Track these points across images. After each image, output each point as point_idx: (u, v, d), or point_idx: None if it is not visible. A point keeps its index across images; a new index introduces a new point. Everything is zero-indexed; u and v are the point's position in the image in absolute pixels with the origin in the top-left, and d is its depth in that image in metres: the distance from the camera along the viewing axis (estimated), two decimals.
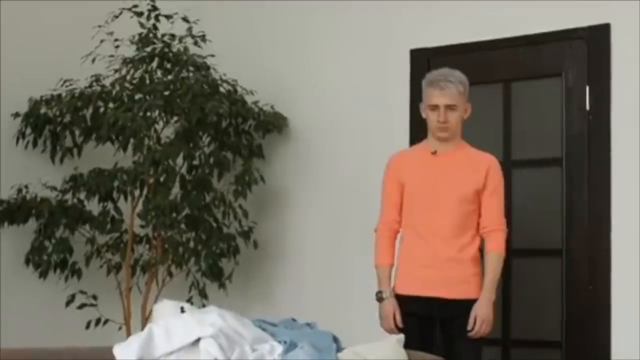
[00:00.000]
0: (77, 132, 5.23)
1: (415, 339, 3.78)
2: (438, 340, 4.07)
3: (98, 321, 5.12)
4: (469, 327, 3.93)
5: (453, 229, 3.98)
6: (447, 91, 3.98)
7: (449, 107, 3.99)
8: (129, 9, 5.09)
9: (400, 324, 3.99)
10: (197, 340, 3.10)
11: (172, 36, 5.13)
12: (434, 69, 4.19)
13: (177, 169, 5.07)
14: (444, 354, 3.83)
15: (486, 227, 4.03)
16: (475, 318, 3.93)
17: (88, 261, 5.15)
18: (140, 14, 5.11)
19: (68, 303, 5.13)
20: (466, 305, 3.96)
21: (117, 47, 5.08)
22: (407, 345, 3.49)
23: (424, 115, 4.11)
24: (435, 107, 4.01)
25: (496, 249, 4.01)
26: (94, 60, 5.06)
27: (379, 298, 4.07)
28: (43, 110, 5.20)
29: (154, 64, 5.11)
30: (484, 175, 4.02)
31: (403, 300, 4.04)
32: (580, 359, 4.54)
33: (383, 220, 4.14)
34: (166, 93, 5.01)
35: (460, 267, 3.98)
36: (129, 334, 4.97)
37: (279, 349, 3.19)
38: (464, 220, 4.00)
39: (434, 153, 4.06)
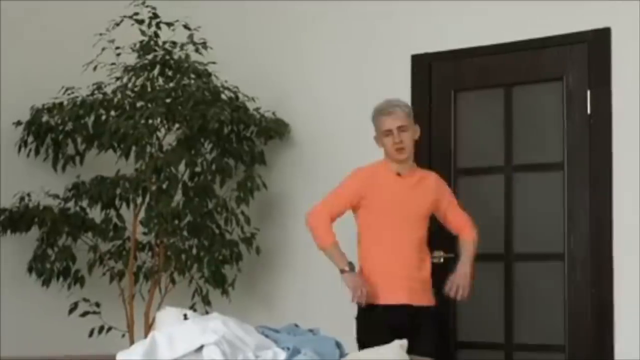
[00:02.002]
0: (79, 140, 5.25)
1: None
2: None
3: (101, 329, 5.12)
4: (446, 289, 4.31)
5: (418, 244, 4.34)
6: (396, 115, 4.34)
7: (401, 129, 4.33)
8: (130, 17, 5.10)
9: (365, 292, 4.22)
10: (201, 348, 3.10)
11: (174, 43, 5.13)
12: (435, 74, 4.26)
13: (179, 176, 5.07)
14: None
15: (459, 226, 4.47)
16: (452, 283, 4.31)
17: (91, 269, 5.16)
18: (141, 22, 5.12)
19: (71, 311, 5.14)
20: (431, 313, 4.32)
21: (118, 54, 5.09)
22: None
23: (379, 145, 4.41)
24: (389, 132, 4.34)
25: (471, 236, 4.45)
26: (95, 68, 5.07)
27: (351, 269, 4.31)
28: (45, 118, 5.21)
29: (156, 72, 5.12)
30: (435, 192, 4.42)
31: (373, 311, 4.24)
32: None
33: (324, 205, 4.40)
34: (168, 100, 5.01)
35: (424, 277, 4.35)
36: (132, 341, 4.97)
37: (282, 355, 3.19)
38: (423, 236, 4.38)
39: (399, 175, 4.35)
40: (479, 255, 4.47)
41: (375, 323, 4.22)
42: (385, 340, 3.84)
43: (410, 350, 4.00)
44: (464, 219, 4.48)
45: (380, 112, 4.38)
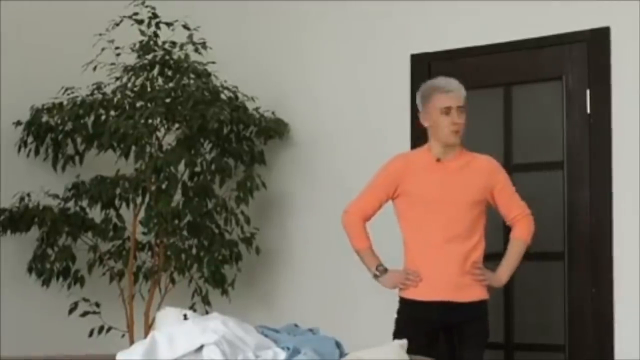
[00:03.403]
0: (78, 140, 5.24)
1: (422, 345, 3.77)
2: (440, 347, 4.07)
3: (101, 329, 5.12)
4: (475, 271, 4.03)
5: (462, 234, 4.04)
6: (456, 93, 4.06)
7: (460, 109, 4.04)
8: (130, 17, 5.10)
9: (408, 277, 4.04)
10: (201, 348, 3.11)
11: (173, 43, 5.13)
12: (434, 74, 4.22)
13: (179, 176, 5.07)
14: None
15: (512, 216, 4.15)
16: (485, 275, 4.06)
17: (91, 269, 5.16)
18: (140, 22, 5.12)
19: (71, 311, 5.14)
20: (477, 308, 4.06)
21: (118, 55, 5.09)
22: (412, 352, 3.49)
23: (427, 123, 4.12)
24: (448, 110, 4.03)
25: (523, 236, 4.15)
26: (95, 68, 5.07)
27: (382, 272, 4.11)
28: (45, 118, 5.21)
29: (155, 72, 5.12)
30: (489, 178, 4.11)
31: (416, 307, 4.06)
32: None
33: (358, 206, 4.19)
34: (167, 100, 5.01)
35: (470, 270, 4.04)
36: (132, 341, 4.97)
37: (282, 355, 3.19)
38: (472, 225, 4.06)
39: (438, 160, 4.09)
40: None
41: (413, 319, 4.04)
42: (420, 337, 3.83)
43: (454, 348, 4.03)
44: (517, 211, 4.14)
45: (439, 89, 4.05)
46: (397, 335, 4.03)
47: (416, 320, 4.04)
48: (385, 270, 4.14)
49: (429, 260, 4.04)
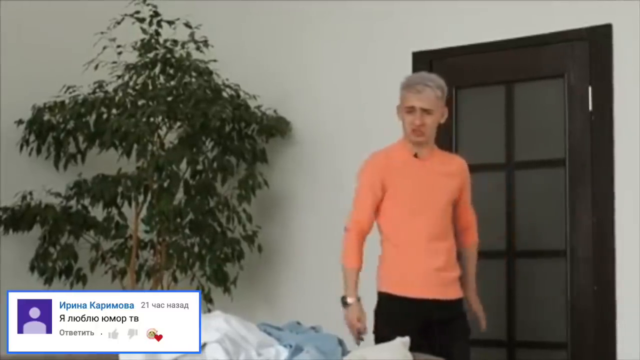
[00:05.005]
0: (80, 139, 5.25)
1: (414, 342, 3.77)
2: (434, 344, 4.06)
3: None
4: (483, 326, 4.11)
5: (443, 232, 4.03)
6: (424, 95, 3.97)
7: (425, 111, 3.98)
8: (131, 15, 5.10)
9: (365, 329, 4.01)
10: (203, 346, 3.11)
11: (175, 42, 5.14)
12: (436, 72, 4.23)
13: (181, 174, 5.08)
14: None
15: (467, 219, 4.19)
16: (480, 313, 4.14)
17: (93, 267, 5.16)
18: (142, 20, 5.12)
19: None
20: (459, 305, 4.08)
21: (119, 53, 5.09)
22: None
23: (399, 117, 4.08)
24: (411, 110, 4.00)
25: (476, 241, 4.23)
26: (96, 66, 5.07)
27: (345, 303, 4.05)
28: (46, 117, 5.21)
29: (157, 70, 5.13)
30: (461, 179, 4.13)
31: (402, 303, 4.02)
32: None
33: (355, 220, 4.09)
34: (169, 99, 5.02)
35: (450, 269, 4.05)
36: None
37: (285, 353, 3.20)
38: (449, 223, 4.07)
39: (416, 156, 4.05)
40: (480, 253, 4.35)
41: (398, 314, 3.97)
42: (404, 332, 3.72)
43: (438, 345, 3.99)
44: (472, 216, 4.20)
45: (408, 87, 4.01)
46: (380, 328, 3.98)
47: (400, 317, 3.96)
48: (351, 304, 4.04)
49: (413, 259, 4.00)
